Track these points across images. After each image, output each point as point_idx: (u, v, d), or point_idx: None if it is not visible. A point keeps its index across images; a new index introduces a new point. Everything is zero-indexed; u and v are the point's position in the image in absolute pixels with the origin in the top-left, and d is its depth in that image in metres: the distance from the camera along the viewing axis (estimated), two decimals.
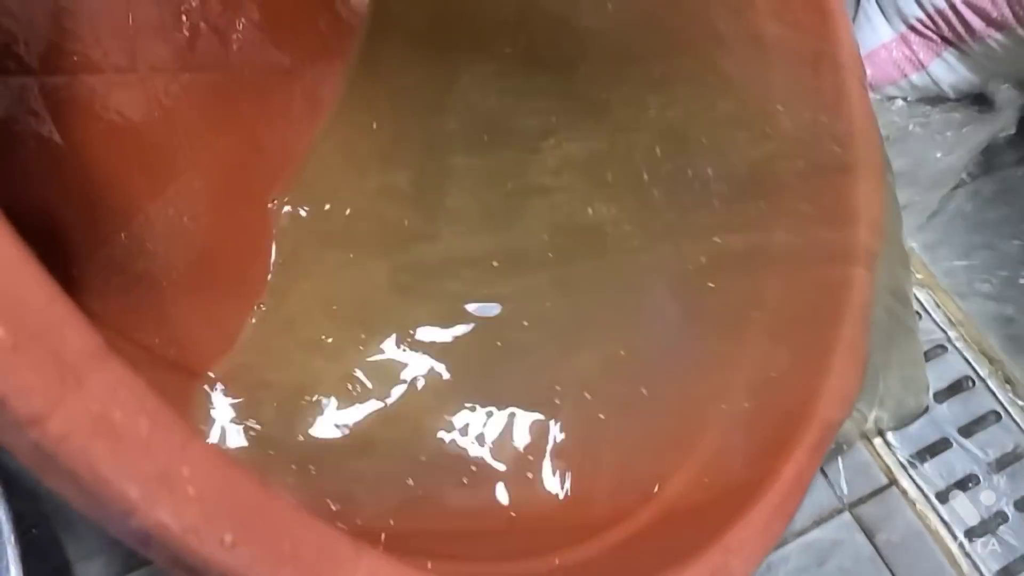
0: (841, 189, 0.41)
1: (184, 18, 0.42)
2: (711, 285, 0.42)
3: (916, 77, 0.63)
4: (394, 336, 0.43)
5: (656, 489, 0.38)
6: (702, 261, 0.43)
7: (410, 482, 0.39)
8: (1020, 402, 0.56)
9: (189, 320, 0.40)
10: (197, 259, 0.41)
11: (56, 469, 0.17)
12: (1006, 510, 0.53)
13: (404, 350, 0.43)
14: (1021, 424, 0.55)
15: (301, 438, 0.40)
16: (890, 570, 0.51)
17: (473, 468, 0.40)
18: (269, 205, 0.45)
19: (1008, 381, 0.56)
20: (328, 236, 0.45)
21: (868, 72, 0.64)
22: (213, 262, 0.42)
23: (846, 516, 0.52)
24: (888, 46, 0.63)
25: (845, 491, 0.53)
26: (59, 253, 0.35)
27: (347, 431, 0.40)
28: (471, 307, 0.44)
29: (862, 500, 0.53)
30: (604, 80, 0.45)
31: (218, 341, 0.41)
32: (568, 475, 0.41)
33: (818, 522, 0.52)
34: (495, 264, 0.45)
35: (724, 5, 0.43)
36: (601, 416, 0.42)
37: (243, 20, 0.45)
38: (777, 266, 0.41)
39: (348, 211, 0.45)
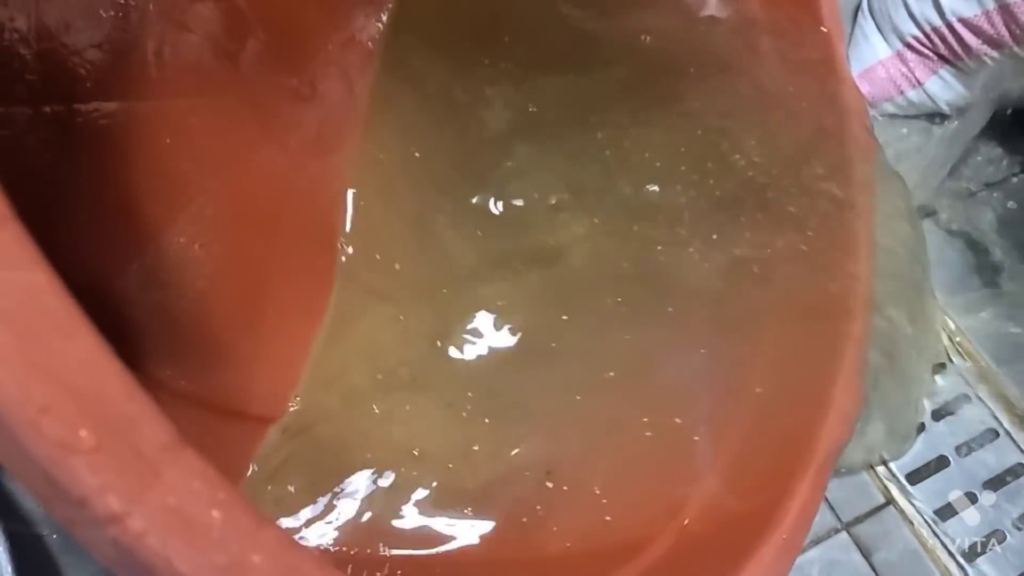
0: (841, 223, 0.41)
1: (194, 41, 0.42)
2: (718, 319, 0.43)
3: (913, 94, 0.63)
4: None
5: (670, 519, 0.39)
6: (717, 289, 0.43)
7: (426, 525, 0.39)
8: (1017, 418, 0.56)
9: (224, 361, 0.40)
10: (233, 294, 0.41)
11: (133, 564, 0.17)
12: (1004, 529, 0.53)
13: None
14: (1018, 442, 0.55)
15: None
16: None
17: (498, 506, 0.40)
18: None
19: (1003, 397, 0.56)
20: (373, 287, 0.44)
21: (865, 89, 0.64)
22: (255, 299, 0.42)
23: (843, 536, 0.52)
24: (885, 63, 0.63)
25: (842, 510, 0.53)
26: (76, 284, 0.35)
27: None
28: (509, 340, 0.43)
29: (859, 519, 0.53)
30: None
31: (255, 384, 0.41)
32: (583, 507, 0.40)
33: (815, 542, 0.52)
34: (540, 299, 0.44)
35: (731, 48, 0.44)
36: (612, 446, 0.42)
37: (252, 41, 0.45)
38: (780, 300, 0.42)
39: (396, 265, 0.44)
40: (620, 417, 0.42)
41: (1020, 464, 0.54)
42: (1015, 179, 0.64)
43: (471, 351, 0.43)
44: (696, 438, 0.41)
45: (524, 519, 0.39)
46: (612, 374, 0.42)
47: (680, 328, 0.43)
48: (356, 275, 0.44)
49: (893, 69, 0.63)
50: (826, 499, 0.53)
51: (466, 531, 0.39)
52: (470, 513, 0.39)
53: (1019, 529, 0.53)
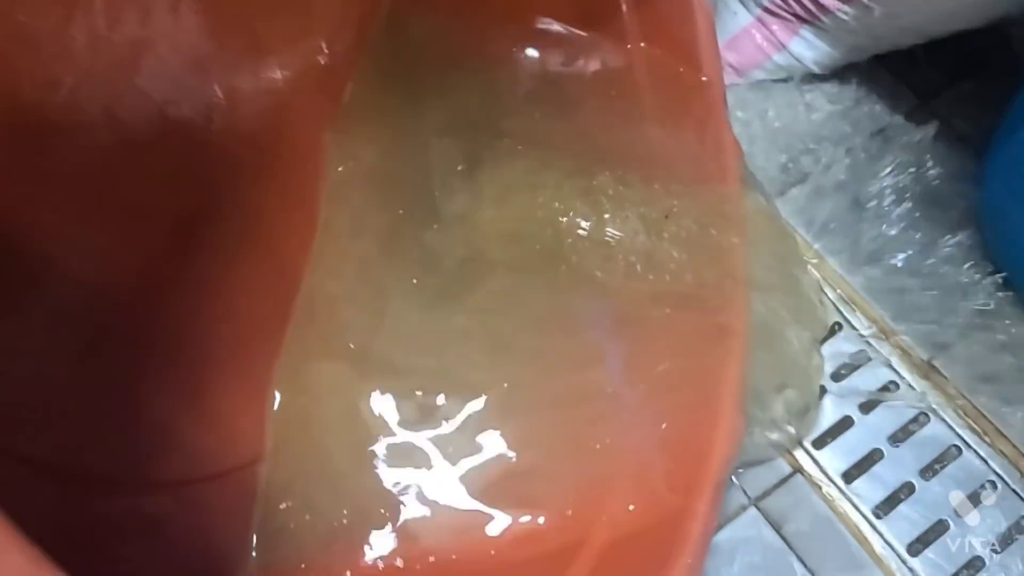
0: (719, 256, 0.46)
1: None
2: (629, 344, 0.47)
3: (779, 57, 0.63)
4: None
5: (589, 528, 0.41)
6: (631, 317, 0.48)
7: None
8: (916, 368, 0.55)
9: None
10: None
11: None
12: (912, 481, 0.52)
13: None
14: (918, 390, 0.55)
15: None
16: (800, 559, 0.50)
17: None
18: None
19: (900, 349, 0.56)
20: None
21: (733, 58, 0.64)
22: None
23: (752, 512, 0.52)
24: (748, 30, 0.63)
25: (749, 486, 0.52)
26: None
27: None
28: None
29: (767, 493, 0.52)
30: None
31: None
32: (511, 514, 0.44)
33: (724, 523, 0.51)
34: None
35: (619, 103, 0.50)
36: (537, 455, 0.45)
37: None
38: (667, 324, 0.46)
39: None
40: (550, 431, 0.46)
41: (924, 414, 0.54)
42: (895, 131, 0.64)
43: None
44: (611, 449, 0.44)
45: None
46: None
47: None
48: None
49: (757, 35, 0.63)
50: (733, 477, 0.52)
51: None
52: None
53: (926, 479, 0.53)
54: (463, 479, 0.45)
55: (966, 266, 0.58)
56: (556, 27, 0.52)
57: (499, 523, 0.43)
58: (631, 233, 0.49)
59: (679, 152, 0.50)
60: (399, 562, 0.42)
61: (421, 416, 0.46)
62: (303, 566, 0.42)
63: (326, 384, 0.47)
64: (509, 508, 0.44)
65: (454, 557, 0.42)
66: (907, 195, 0.61)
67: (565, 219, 0.50)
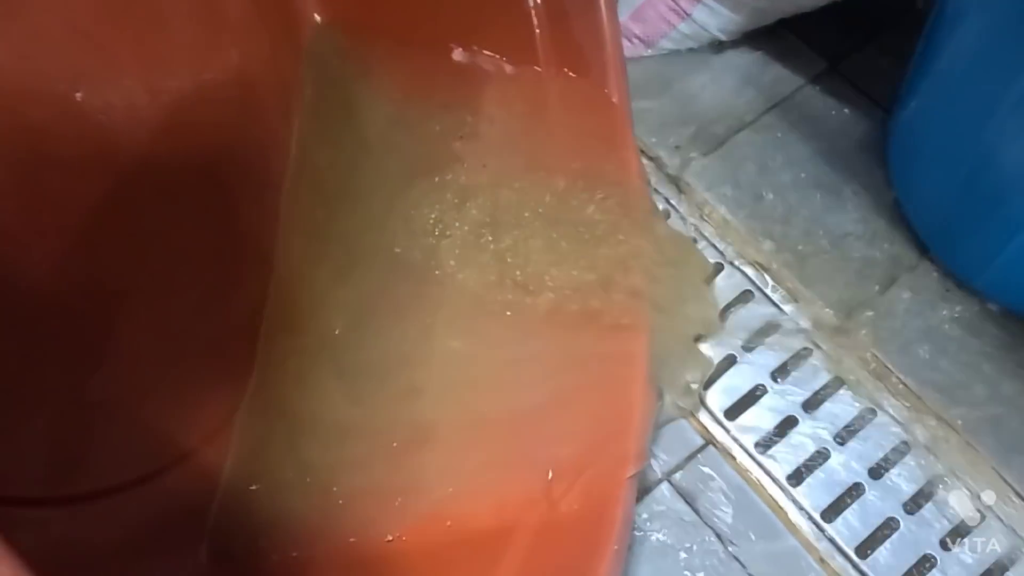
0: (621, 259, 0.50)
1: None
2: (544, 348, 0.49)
3: (684, 26, 0.62)
4: None
5: (519, 511, 0.44)
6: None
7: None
8: (829, 336, 0.55)
9: None
10: None
11: None
12: (827, 447, 0.52)
13: None
14: (832, 356, 0.54)
15: None
16: (715, 532, 0.49)
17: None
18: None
19: (816, 315, 0.56)
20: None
21: (638, 30, 0.63)
22: None
23: (664, 487, 0.51)
24: (652, 1, 0.62)
25: (662, 460, 0.51)
26: None
27: None
28: None
29: (679, 467, 0.51)
30: None
31: None
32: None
33: (638, 498, 0.50)
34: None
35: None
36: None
37: None
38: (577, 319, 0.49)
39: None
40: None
41: (838, 379, 0.53)
42: (804, 96, 0.63)
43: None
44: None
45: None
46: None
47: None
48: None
49: (660, 5, 0.62)
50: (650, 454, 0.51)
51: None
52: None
53: (841, 443, 0.52)
54: (403, 463, 0.47)
55: (878, 228, 0.58)
56: (473, 55, 0.55)
57: (438, 504, 0.45)
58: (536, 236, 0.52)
59: (586, 169, 0.52)
60: (352, 539, 0.45)
61: (368, 400, 0.49)
62: (260, 550, 0.44)
63: (292, 371, 0.50)
64: (446, 490, 0.46)
65: (403, 538, 0.44)
66: (818, 159, 0.60)
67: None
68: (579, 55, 0.52)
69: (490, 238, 0.52)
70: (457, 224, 0.52)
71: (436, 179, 0.53)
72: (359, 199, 0.54)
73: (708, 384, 0.53)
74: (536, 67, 0.54)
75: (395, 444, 0.47)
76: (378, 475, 0.47)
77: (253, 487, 0.46)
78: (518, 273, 0.51)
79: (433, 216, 0.52)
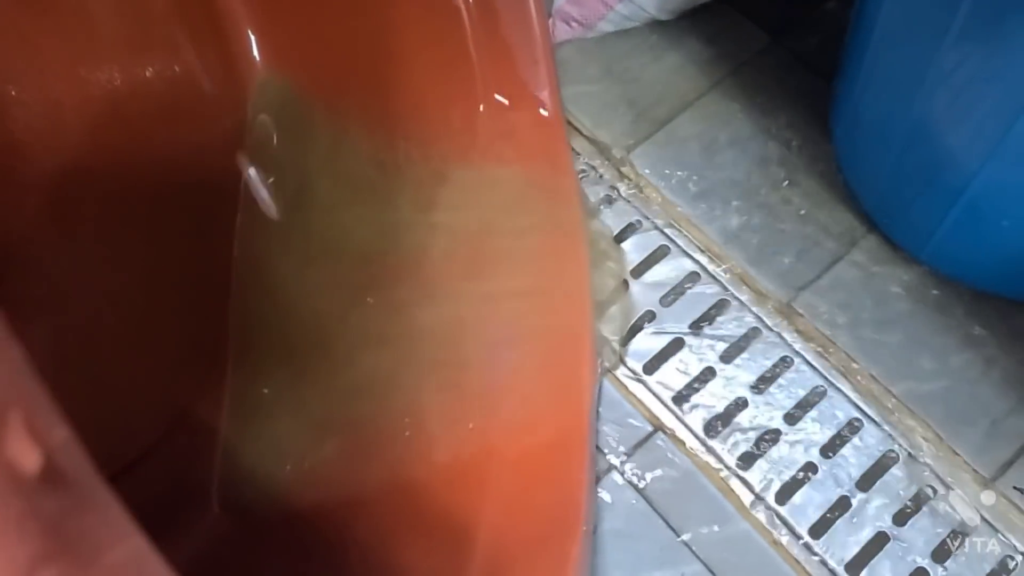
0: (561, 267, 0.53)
1: None
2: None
3: (621, 7, 0.61)
4: None
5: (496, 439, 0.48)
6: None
7: None
8: (776, 314, 0.54)
9: None
10: None
11: None
12: (778, 428, 0.51)
13: None
14: (779, 333, 0.53)
15: None
16: (664, 520, 0.49)
17: None
18: None
19: (761, 294, 0.55)
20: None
21: (576, 12, 0.62)
22: None
23: (614, 475, 0.50)
24: None
25: (612, 448, 0.51)
26: None
27: None
28: None
29: (628, 454, 0.51)
30: None
31: None
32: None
33: None
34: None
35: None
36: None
37: None
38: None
39: None
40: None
41: (787, 358, 0.53)
42: (747, 71, 0.62)
43: None
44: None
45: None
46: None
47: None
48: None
49: None
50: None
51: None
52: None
53: (790, 423, 0.51)
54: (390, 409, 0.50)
55: (824, 202, 0.57)
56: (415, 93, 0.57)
57: (427, 442, 0.49)
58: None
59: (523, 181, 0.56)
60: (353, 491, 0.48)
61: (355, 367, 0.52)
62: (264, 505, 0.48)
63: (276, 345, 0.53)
64: (435, 429, 0.50)
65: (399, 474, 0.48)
66: (763, 136, 0.59)
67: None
68: (516, 79, 0.55)
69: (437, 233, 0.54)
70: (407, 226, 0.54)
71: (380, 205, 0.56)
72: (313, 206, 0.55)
73: (653, 369, 0.53)
74: (476, 91, 0.55)
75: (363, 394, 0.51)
76: (357, 421, 0.50)
77: (252, 439, 0.50)
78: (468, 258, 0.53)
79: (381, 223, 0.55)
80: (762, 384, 0.52)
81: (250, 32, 0.55)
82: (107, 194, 0.49)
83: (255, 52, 0.55)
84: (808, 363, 0.53)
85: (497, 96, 0.55)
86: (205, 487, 0.48)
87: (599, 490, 0.50)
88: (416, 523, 0.47)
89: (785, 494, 0.49)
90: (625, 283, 0.55)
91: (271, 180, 0.54)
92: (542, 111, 0.55)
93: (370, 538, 0.46)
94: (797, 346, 0.53)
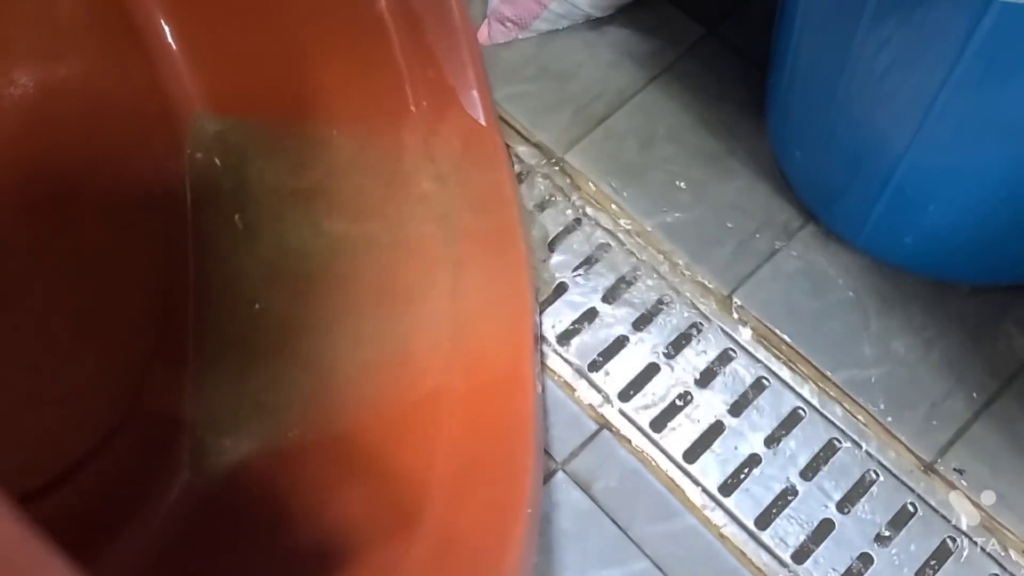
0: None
1: None
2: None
3: (555, 5, 0.61)
4: None
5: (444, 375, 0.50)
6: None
7: None
8: (719, 307, 0.54)
9: None
10: None
11: None
12: (722, 420, 0.51)
13: None
14: (722, 327, 0.54)
15: None
16: (611, 518, 0.49)
17: None
18: None
19: (704, 287, 0.55)
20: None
21: (510, 13, 0.62)
22: None
23: (560, 476, 0.50)
24: None
25: (556, 449, 0.51)
26: None
27: None
28: None
29: (573, 454, 0.51)
30: None
31: None
32: None
33: None
34: None
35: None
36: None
37: None
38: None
39: None
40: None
41: (731, 351, 0.53)
42: (683, 65, 0.62)
43: None
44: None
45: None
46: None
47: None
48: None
49: None
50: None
51: None
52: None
53: (735, 415, 0.51)
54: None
55: (762, 193, 0.57)
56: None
57: (374, 384, 0.52)
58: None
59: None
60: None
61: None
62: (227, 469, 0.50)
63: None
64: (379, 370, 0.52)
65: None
66: (701, 129, 0.60)
67: None
68: (449, 96, 0.55)
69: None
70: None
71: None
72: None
73: (598, 367, 0.53)
74: (410, 110, 0.56)
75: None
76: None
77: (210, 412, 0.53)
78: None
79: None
80: (706, 377, 0.52)
81: (171, 39, 0.55)
82: (41, 198, 0.49)
83: (179, 62, 0.55)
84: (750, 354, 0.53)
85: (425, 103, 0.54)
86: (176, 457, 0.51)
87: (546, 489, 0.50)
88: (361, 473, 0.49)
89: (730, 487, 0.50)
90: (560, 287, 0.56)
91: (214, 183, 0.56)
92: (473, 114, 0.54)
93: (313, 493, 0.48)
94: (739, 338, 0.53)
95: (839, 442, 0.50)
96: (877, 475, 0.49)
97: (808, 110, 0.51)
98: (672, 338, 0.54)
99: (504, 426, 0.48)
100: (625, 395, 0.52)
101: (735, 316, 0.54)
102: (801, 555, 0.48)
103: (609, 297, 0.55)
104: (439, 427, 0.49)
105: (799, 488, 0.49)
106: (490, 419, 0.48)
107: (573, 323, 0.54)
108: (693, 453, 0.51)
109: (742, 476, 0.50)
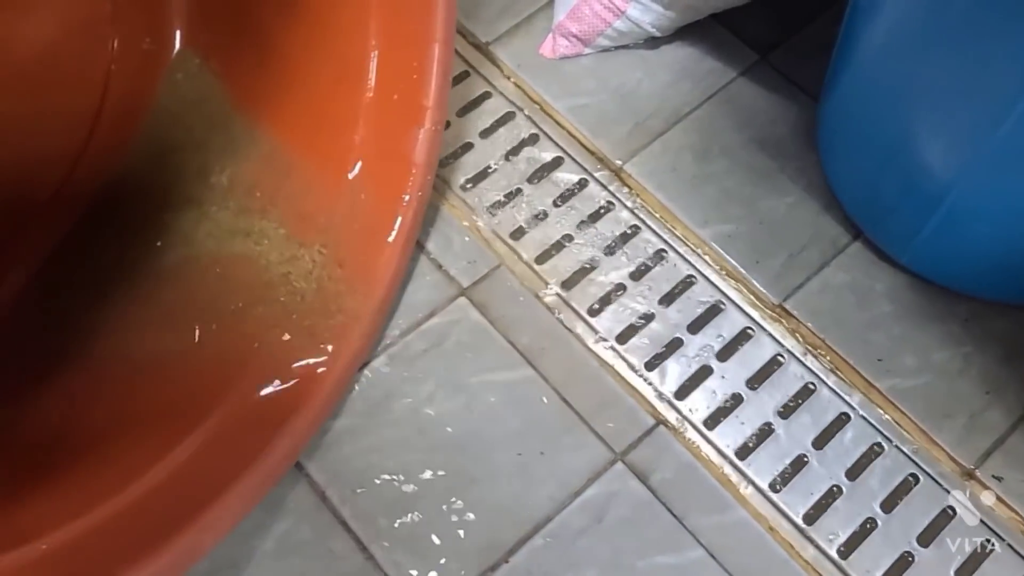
0: None
1: None
2: None
3: (619, 23, 0.64)
4: None
5: None
6: None
7: None
8: (769, 315, 0.57)
9: None
10: None
11: None
12: (771, 422, 0.54)
13: None
14: (773, 334, 0.56)
15: None
16: (667, 508, 0.51)
17: None
18: None
19: (755, 296, 0.58)
20: None
21: (575, 28, 0.65)
22: None
23: (619, 466, 0.53)
24: (587, 0, 0.64)
25: (614, 441, 0.53)
26: None
27: None
28: None
29: (632, 446, 0.53)
30: None
31: None
32: None
33: (592, 479, 0.52)
34: None
35: None
36: None
37: None
38: None
39: None
40: None
41: (780, 356, 0.56)
42: (737, 87, 0.65)
43: None
44: None
45: None
46: None
47: None
48: None
49: (596, 4, 0.64)
50: (596, 433, 0.53)
51: None
52: None
53: (784, 417, 0.54)
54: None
55: (812, 209, 0.60)
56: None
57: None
58: None
59: None
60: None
61: None
62: None
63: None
64: None
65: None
66: (753, 147, 0.63)
67: None
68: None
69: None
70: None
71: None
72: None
73: (657, 365, 0.56)
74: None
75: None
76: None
77: None
78: None
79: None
80: (756, 380, 0.55)
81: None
82: None
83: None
84: (799, 361, 0.56)
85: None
86: None
87: (605, 478, 0.52)
88: None
89: (780, 483, 0.52)
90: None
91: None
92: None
93: None
94: (787, 344, 0.56)
95: (882, 446, 0.53)
96: (918, 478, 0.52)
97: (863, 133, 0.55)
98: (725, 343, 0.56)
99: None
100: (680, 393, 0.55)
101: (785, 324, 0.57)
102: (846, 551, 0.50)
103: (665, 301, 0.58)
104: None
105: (844, 488, 0.52)
106: None
107: (631, 323, 0.57)
108: (745, 451, 0.53)
109: (791, 475, 0.52)
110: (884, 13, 0.47)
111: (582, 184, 0.62)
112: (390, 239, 0.54)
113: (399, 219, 0.55)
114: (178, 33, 0.60)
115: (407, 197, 0.55)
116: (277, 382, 0.51)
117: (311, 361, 0.51)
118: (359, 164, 0.56)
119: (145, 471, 0.45)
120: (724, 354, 0.56)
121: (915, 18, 0.44)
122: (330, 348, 0.51)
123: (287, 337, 0.52)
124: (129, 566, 0.39)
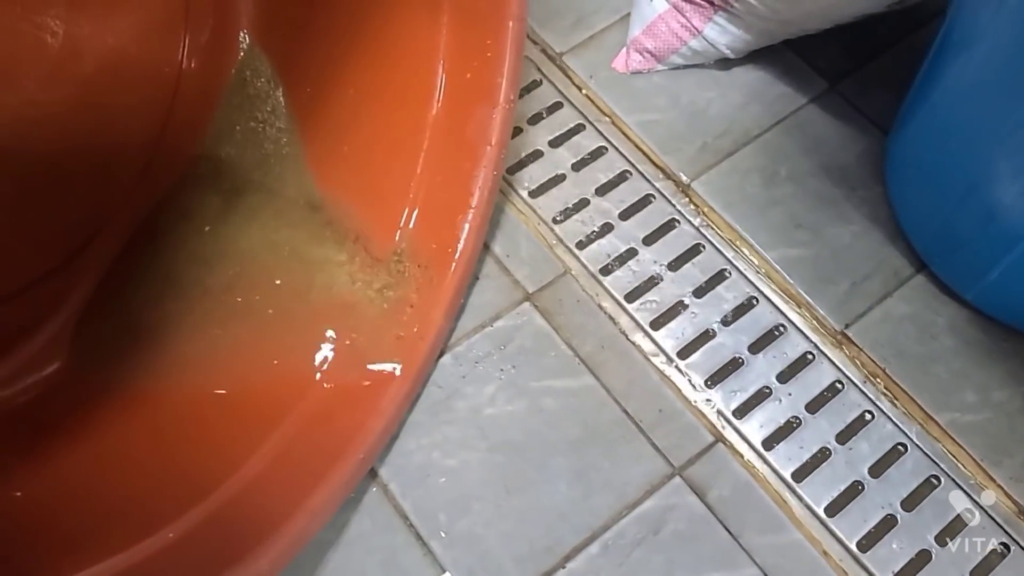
0: None
1: None
2: None
3: (695, 43, 0.65)
4: None
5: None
6: None
7: None
8: (830, 342, 0.58)
9: None
10: None
11: None
12: (828, 447, 0.54)
13: None
14: (834, 360, 0.57)
15: None
16: (723, 525, 0.52)
17: None
18: None
19: (817, 321, 0.58)
20: None
21: (651, 44, 0.65)
22: None
23: (676, 480, 0.53)
24: (664, 17, 0.65)
25: (673, 455, 0.54)
26: None
27: None
28: None
29: (690, 462, 0.54)
30: None
31: None
32: None
33: (650, 491, 0.52)
34: None
35: None
36: None
37: None
38: None
39: None
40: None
41: (838, 382, 0.56)
42: (806, 113, 0.66)
43: None
44: None
45: None
46: None
47: None
48: None
49: (672, 22, 0.64)
50: (655, 446, 0.54)
51: None
52: None
53: (842, 443, 0.54)
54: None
55: (876, 239, 0.61)
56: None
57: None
58: None
59: None
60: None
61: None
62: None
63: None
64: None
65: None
66: (820, 174, 0.63)
67: None
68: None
69: None
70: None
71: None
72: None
73: (717, 383, 0.56)
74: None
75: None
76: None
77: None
78: None
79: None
80: (815, 405, 0.56)
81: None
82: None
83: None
84: (857, 388, 0.56)
85: None
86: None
87: (662, 492, 0.52)
88: None
89: (834, 508, 0.53)
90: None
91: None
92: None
93: None
94: (847, 372, 0.56)
95: (939, 479, 0.53)
96: (973, 515, 0.52)
97: (938, 170, 0.55)
98: (786, 365, 0.57)
99: None
100: (740, 412, 0.55)
101: (846, 351, 0.57)
102: None
103: (728, 319, 0.58)
104: None
105: (899, 517, 0.52)
106: None
107: (693, 340, 0.57)
108: (801, 474, 0.54)
109: (846, 501, 0.53)
110: (978, 52, 0.47)
111: (648, 199, 0.63)
112: (468, 216, 0.55)
113: (476, 194, 0.55)
114: (245, 33, 0.62)
115: (481, 175, 0.55)
116: (351, 386, 0.51)
117: (386, 366, 0.52)
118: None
119: (230, 475, 0.47)
120: (784, 376, 0.57)
121: (1014, 61, 0.45)
122: (402, 351, 0.52)
123: (360, 340, 0.53)
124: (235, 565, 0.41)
